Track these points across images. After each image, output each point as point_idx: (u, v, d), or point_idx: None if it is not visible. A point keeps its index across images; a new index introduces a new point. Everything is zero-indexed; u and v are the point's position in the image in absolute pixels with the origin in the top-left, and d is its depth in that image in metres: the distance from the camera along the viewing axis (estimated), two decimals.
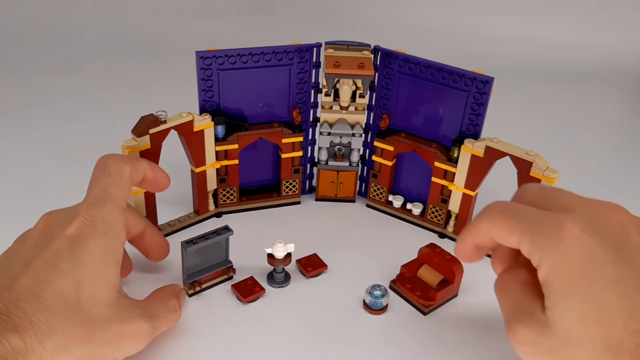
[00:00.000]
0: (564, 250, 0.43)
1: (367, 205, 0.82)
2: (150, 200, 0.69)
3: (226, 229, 0.64)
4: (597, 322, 0.41)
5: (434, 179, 0.74)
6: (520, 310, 0.45)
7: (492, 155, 0.68)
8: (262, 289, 0.64)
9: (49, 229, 0.51)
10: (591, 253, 0.43)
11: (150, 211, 0.70)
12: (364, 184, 0.83)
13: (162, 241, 0.64)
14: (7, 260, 0.49)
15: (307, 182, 0.83)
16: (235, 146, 0.74)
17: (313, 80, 0.75)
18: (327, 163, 0.79)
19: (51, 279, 0.46)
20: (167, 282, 0.62)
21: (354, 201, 0.82)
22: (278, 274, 0.66)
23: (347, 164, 0.79)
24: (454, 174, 0.72)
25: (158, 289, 0.59)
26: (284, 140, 0.75)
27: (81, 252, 0.48)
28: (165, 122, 0.66)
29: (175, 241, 0.65)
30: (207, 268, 0.64)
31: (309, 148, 0.80)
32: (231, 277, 0.67)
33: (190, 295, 0.64)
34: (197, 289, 0.64)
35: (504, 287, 0.49)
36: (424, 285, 0.65)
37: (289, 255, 0.65)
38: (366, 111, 0.76)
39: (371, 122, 0.78)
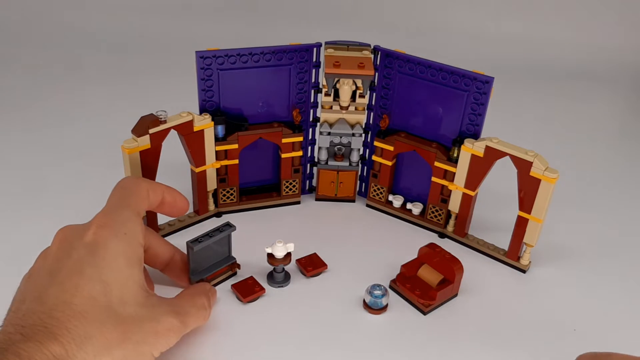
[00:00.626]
0: None
1: (367, 205, 0.82)
2: None
3: (228, 225, 0.64)
4: None
5: (433, 178, 0.74)
6: None
7: (492, 155, 0.68)
8: (262, 288, 0.64)
9: (67, 241, 0.51)
10: None
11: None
12: (364, 184, 0.83)
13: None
14: (33, 277, 0.49)
15: (307, 182, 0.83)
16: (235, 146, 0.74)
17: (313, 80, 0.75)
18: (327, 163, 0.79)
19: (79, 286, 0.47)
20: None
21: (354, 201, 0.82)
22: (278, 274, 0.66)
23: (347, 163, 0.79)
24: (454, 173, 0.72)
25: (188, 288, 0.59)
26: (284, 140, 0.75)
27: (104, 256, 0.49)
28: (165, 122, 0.66)
29: (176, 241, 0.66)
30: (212, 266, 0.65)
31: (309, 148, 0.80)
32: (235, 273, 0.67)
33: None
34: None
35: None
36: (424, 285, 0.65)
37: (288, 255, 0.65)
38: (366, 111, 0.76)
39: (371, 122, 0.78)
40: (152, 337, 0.49)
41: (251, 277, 0.65)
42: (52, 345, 0.43)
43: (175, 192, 0.61)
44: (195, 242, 0.61)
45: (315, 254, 0.70)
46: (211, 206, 0.77)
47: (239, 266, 0.67)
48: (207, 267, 0.64)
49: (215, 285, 0.65)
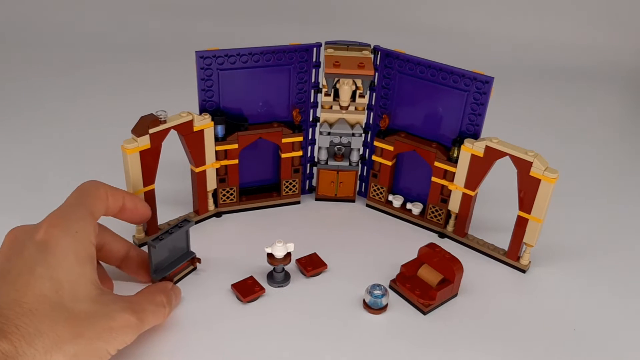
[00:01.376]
0: None
1: (367, 205, 0.82)
2: (150, 199, 0.69)
3: (187, 221, 0.64)
4: None
5: (433, 178, 0.74)
6: None
7: (492, 155, 0.68)
8: (262, 288, 0.64)
9: (17, 240, 0.51)
10: None
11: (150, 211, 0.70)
12: (363, 184, 0.83)
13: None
14: None
15: (307, 181, 0.83)
16: (235, 146, 0.74)
17: (313, 80, 0.75)
18: (327, 163, 0.79)
19: (29, 284, 0.47)
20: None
21: (353, 201, 0.82)
22: (278, 274, 0.66)
23: (347, 163, 0.79)
24: (454, 173, 0.72)
25: (148, 286, 0.60)
26: (284, 140, 0.75)
27: (54, 254, 0.49)
28: (165, 122, 0.66)
29: None
30: (173, 262, 0.65)
31: (309, 148, 0.80)
32: (195, 268, 0.68)
33: None
34: None
35: None
36: (424, 284, 0.65)
37: (288, 254, 0.65)
38: (366, 111, 0.76)
39: (371, 121, 0.78)
40: (106, 334, 0.49)
41: (251, 277, 0.66)
42: (0, 343, 0.43)
43: (137, 199, 0.62)
44: (157, 240, 0.61)
45: (315, 253, 0.70)
46: (211, 206, 0.77)
47: (199, 260, 0.67)
48: (168, 264, 0.64)
49: (178, 281, 0.66)
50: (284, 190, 0.79)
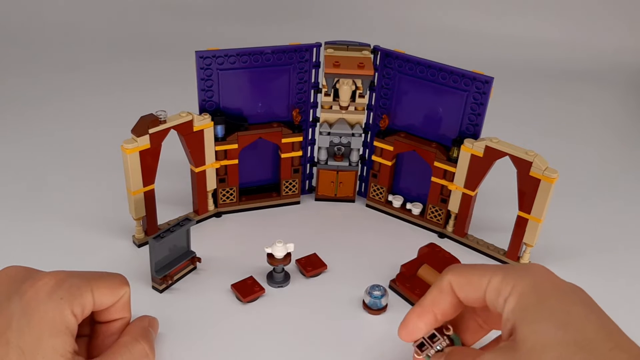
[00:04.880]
0: (536, 277, 0.45)
1: (367, 205, 0.82)
2: (150, 199, 0.69)
3: (188, 220, 0.64)
4: (567, 327, 0.40)
5: (433, 178, 0.74)
6: (477, 355, 0.45)
7: (492, 155, 0.68)
8: (262, 288, 0.64)
9: (7, 288, 0.48)
10: (558, 283, 0.45)
11: (150, 211, 0.70)
12: (363, 184, 0.83)
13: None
14: None
15: (307, 181, 0.83)
16: (235, 146, 0.74)
17: (313, 80, 0.75)
18: (326, 163, 0.79)
19: None
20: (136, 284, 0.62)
21: (353, 201, 0.82)
22: (278, 274, 0.66)
23: (346, 163, 0.79)
24: (454, 173, 0.72)
25: (123, 334, 0.52)
26: (284, 140, 0.75)
27: (29, 321, 0.45)
28: (164, 121, 0.66)
29: None
30: (174, 261, 0.65)
31: (309, 148, 0.80)
32: (195, 267, 0.67)
33: (161, 291, 0.64)
34: (169, 282, 0.64)
35: (454, 356, 0.47)
36: (424, 285, 0.65)
37: (288, 255, 0.65)
38: (366, 111, 0.76)
39: (371, 122, 0.78)
40: None
41: (251, 277, 0.65)
42: None
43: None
44: (158, 238, 0.61)
45: (314, 254, 0.70)
46: (211, 206, 0.77)
47: (199, 259, 0.67)
48: (168, 262, 0.64)
49: (179, 280, 0.66)
50: (284, 190, 0.79)
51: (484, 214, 0.78)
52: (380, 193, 0.80)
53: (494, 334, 0.51)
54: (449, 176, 0.73)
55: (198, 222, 0.76)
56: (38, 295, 0.46)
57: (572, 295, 0.44)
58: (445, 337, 0.49)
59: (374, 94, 0.76)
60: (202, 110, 0.72)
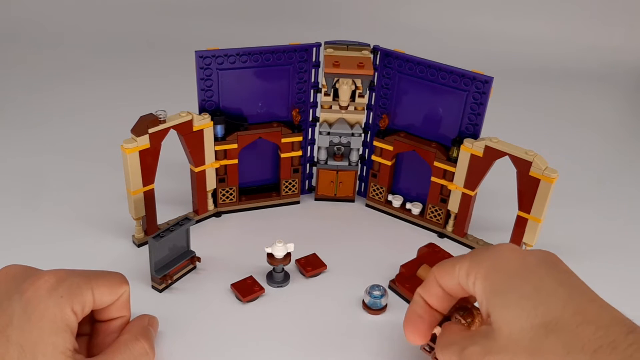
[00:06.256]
0: (500, 256, 0.46)
1: (367, 205, 0.82)
2: (149, 199, 0.69)
3: (188, 219, 0.64)
4: (536, 308, 0.42)
5: (433, 178, 0.74)
6: (464, 338, 0.46)
7: (492, 155, 0.68)
8: (262, 288, 0.64)
9: (7, 287, 0.48)
10: (524, 258, 0.46)
11: (150, 211, 0.70)
12: (363, 184, 0.83)
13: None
14: None
15: (307, 181, 0.83)
16: (235, 146, 0.74)
17: (312, 79, 0.75)
18: (326, 163, 0.79)
19: None
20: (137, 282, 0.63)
21: (353, 201, 0.82)
22: (277, 274, 0.66)
23: (346, 163, 0.79)
24: (454, 173, 0.72)
25: (123, 332, 0.52)
26: (284, 140, 0.75)
27: (29, 319, 0.46)
28: (164, 121, 0.66)
29: None
30: (173, 261, 0.65)
31: (309, 148, 0.80)
32: (195, 267, 0.67)
33: (161, 291, 0.64)
34: (169, 281, 0.64)
35: (443, 338, 0.49)
36: None
37: (288, 255, 0.65)
38: (366, 111, 0.76)
39: (371, 121, 0.78)
40: None
41: (250, 276, 0.65)
42: None
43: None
44: (158, 237, 0.61)
45: (314, 254, 0.70)
46: (210, 206, 0.77)
47: (199, 259, 0.67)
48: (168, 262, 0.64)
49: (178, 279, 0.66)
50: (284, 190, 0.79)
51: (483, 214, 0.78)
52: (380, 193, 0.80)
53: None
54: (449, 176, 0.73)
55: (198, 221, 0.76)
56: (38, 293, 0.47)
57: (538, 269, 0.45)
58: (461, 313, 0.51)
59: (373, 94, 0.76)
60: (202, 110, 0.72)
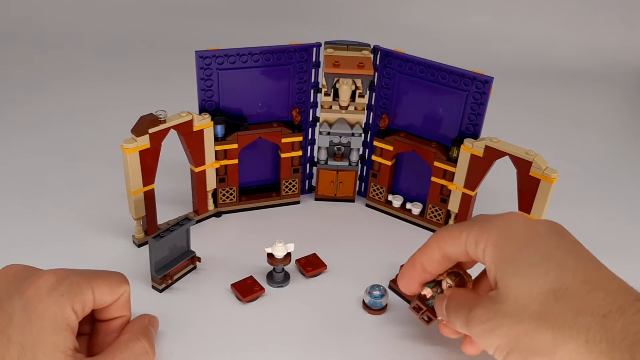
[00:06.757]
0: (510, 225, 0.47)
1: (367, 205, 0.82)
2: (149, 199, 0.69)
3: (188, 219, 0.64)
4: (546, 275, 0.43)
5: (433, 178, 0.74)
6: (472, 300, 0.47)
7: (492, 154, 0.68)
8: (262, 288, 0.64)
9: (7, 286, 0.48)
10: (534, 228, 0.47)
11: (150, 211, 0.70)
12: (363, 184, 0.83)
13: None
14: None
15: (307, 181, 0.83)
16: (235, 146, 0.74)
17: (312, 80, 0.75)
18: (326, 163, 0.79)
19: None
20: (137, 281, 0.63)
21: (353, 201, 0.82)
22: (277, 274, 0.66)
23: (346, 163, 0.79)
24: (454, 173, 0.72)
25: (123, 332, 0.52)
26: (284, 140, 0.75)
27: (30, 317, 0.46)
28: (164, 121, 0.66)
29: None
30: (173, 261, 0.65)
31: (309, 148, 0.80)
32: (195, 267, 0.67)
33: (161, 290, 0.64)
34: (169, 281, 0.64)
35: (452, 301, 0.50)
36: None
37: (288, 255, 0.65)
38: (366, 111, 0.76)
39: (371, 121, 0.78)
40: None
41: (251, 276, 0.65)
42: None
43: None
44: (158, 237, 0.61)
45: (314, 254, 0.70)
46: (211, 206, 0.77)
47: (199, 259, 0.67)
48: (168, 262, 0.64)
49: (179, 279, 0.66)
50: (284, 190, 0.79)
51: (483, 213, 0.77)
52: (380, 193, 0.80)
53: None
54: (449, 176, 0.73)
55: (198, 221, 0.76)
56: (39, 292, 0.47)
57: (547, 239, 0.46)
58: (452, 278, 0.53)
59: (373, 94, 0.76)
60: (202, 110, 0.72)
